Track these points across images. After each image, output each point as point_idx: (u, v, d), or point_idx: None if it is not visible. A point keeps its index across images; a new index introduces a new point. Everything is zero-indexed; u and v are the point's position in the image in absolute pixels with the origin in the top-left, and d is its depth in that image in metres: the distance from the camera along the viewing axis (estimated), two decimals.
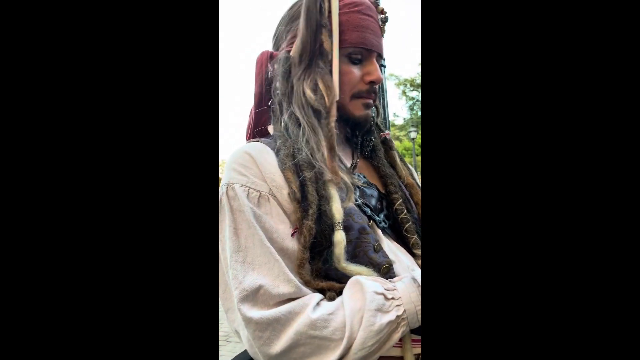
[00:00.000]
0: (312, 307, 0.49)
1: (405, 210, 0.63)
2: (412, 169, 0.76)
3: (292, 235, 0.53)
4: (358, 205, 0.59)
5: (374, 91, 0.63)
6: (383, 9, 0.64)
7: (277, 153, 0.57)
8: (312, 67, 0.59)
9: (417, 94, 17.95)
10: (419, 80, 17.47)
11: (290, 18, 0.63)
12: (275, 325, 0.48)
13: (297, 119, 0.58)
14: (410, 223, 0.62)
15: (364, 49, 0.60)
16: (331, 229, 0.53)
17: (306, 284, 0.52)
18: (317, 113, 0.58)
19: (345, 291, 0.51)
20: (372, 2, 0.63)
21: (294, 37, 0.61)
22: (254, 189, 0.54)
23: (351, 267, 0.53)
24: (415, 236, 0.62)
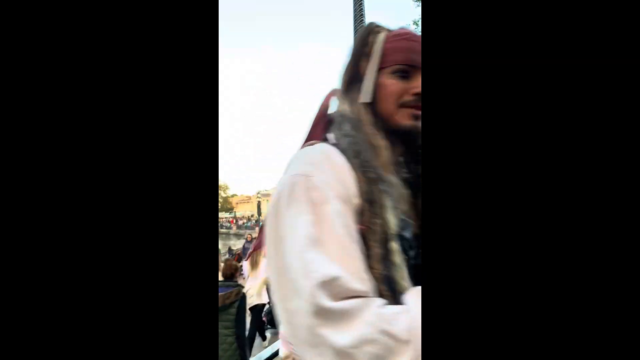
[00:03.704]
0: (380, 303, 0.48)
1: None
2: None
3: (359, 228, 0.54)
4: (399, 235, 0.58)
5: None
6: None
7: (345, 155, 0.59)
8: (352, 89, 0.65)
9: None
10: None
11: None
12: (348, 316, 0.46)
13: (356, 130, 0.61)
14: None
15: (409, 66, 0.62)
16: (386, 237, 0.54)
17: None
18: (360, 123, 0.62)
19: (410, 298, 0.50)
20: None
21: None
22: (333, 187, 0.54)
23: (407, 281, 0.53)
24: None
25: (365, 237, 0.53)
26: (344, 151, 0.59)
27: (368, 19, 2.98)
